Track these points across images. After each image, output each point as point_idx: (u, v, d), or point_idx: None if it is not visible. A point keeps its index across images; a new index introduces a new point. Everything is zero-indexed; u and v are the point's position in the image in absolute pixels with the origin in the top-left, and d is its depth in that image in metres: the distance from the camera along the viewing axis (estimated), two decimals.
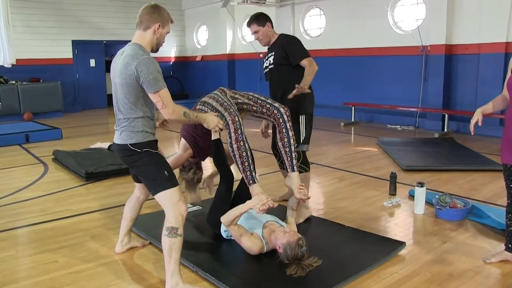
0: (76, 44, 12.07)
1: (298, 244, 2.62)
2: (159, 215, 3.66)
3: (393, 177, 4.28)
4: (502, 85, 8.30)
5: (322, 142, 7.13)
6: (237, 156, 2.84)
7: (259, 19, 3.57)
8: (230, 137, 2.84)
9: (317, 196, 4.34)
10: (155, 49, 2.55)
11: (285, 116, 3.04)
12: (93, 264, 2.88)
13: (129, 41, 2.54)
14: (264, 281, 2.61)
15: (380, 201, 4.07)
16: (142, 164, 2.50)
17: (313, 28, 10.62)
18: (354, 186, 4.64)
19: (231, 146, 2.84)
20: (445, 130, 7.74)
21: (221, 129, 2.77)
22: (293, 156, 3.05)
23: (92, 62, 12.45)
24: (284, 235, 2.72)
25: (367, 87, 9.35)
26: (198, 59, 13.94)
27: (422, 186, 3.71)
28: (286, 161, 3.07)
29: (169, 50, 14.08)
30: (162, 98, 2.37)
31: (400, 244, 3.01)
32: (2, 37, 9.61)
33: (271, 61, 3.58)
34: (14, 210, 4.01)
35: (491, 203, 3.98)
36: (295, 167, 3.03)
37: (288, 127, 3.05)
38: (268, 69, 3.66)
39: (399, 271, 2.71)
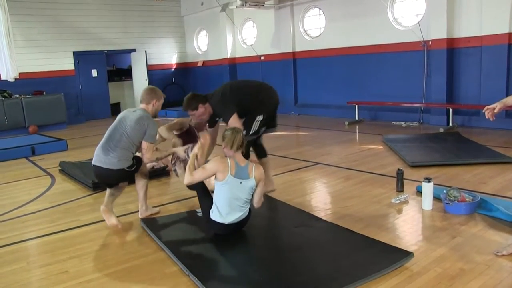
0: (77, 55, 12.15)
1: (223, 133, 3.30)
2: (173, 218, 3.69)
3: (400, 173, 4.26)
4: (506, 76, 8.21)
5: (327, 142, 7.12)
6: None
7: (190, 105, 3.83)
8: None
9: (324, 196, 4.33)
10: (154, 116, 3.68)
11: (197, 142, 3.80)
12: (104, 273, 2.89)
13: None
14: (266, 286, 2.62)
15: (387, 199, 4.06)
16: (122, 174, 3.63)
17: (313, 28, 10.62)
18: (361, 184, 4.62)
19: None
20: (450, 124, 7.70)
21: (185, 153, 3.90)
22: None
23: (94, 73, 12.49)
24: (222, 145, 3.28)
25: (370, 85, 9.32)
26: (199, 64, 13.97)
27: (429, 182, 3.69)
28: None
29: (170, 57, 14.07)
30: (147, 148, 3.58)
31: (407, 254, 2.80)
32: (4, 51, 9.70)
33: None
34: (24, 223, 4.03)
35: (500, 195, 3.95)
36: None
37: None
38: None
39: (409, 268, 2.70)
